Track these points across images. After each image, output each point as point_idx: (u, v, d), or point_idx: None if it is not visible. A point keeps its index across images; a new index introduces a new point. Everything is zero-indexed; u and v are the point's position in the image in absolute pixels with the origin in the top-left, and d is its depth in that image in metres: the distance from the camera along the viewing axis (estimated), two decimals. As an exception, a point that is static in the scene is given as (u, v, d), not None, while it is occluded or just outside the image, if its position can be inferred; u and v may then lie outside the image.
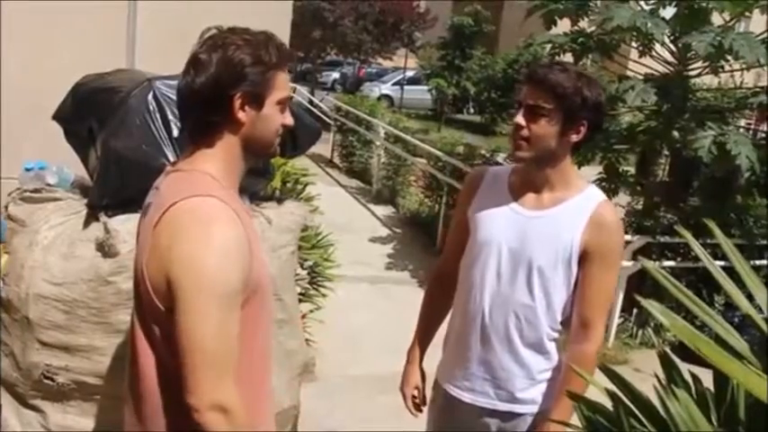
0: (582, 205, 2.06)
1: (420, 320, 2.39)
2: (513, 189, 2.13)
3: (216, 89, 1.50)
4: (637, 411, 0.97)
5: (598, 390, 1.03)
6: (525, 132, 1.99)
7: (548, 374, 2.16)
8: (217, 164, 1.55)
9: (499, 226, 2.10)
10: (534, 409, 2.16)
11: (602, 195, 2.12)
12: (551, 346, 2.15)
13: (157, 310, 1.48)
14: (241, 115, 1.53)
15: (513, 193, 2.12)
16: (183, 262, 1.42)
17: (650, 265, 1.07)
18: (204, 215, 1.46)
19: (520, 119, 2.00)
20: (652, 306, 0.88)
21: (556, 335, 2.15)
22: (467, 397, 2.20)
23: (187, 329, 1.42)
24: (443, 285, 2.32)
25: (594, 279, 2.06)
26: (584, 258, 2.05)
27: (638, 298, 1.02)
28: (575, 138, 2.01)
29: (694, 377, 1.02)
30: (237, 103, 1.52)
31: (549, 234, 2.05)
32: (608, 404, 1.11)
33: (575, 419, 1.38)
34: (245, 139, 1.56)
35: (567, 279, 2.07)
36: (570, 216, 2.05)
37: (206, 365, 1.41)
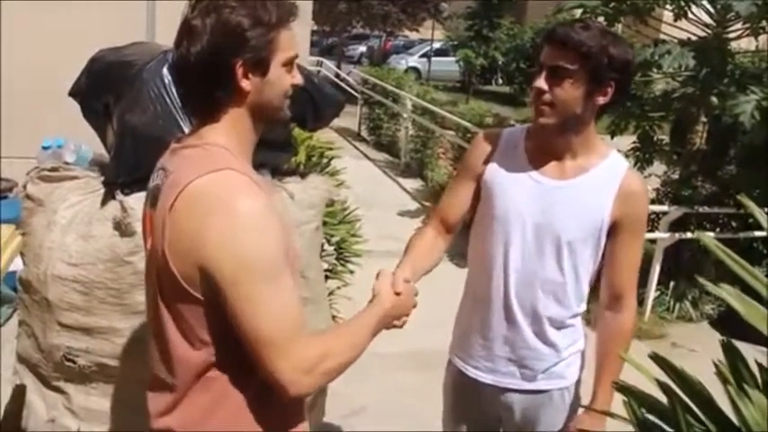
0: (608, 174, 1.95)
1: (409, 252, 2.06)
2: (530, 155, 1.99)
3: (214, 58, 1.37)
4: (694, 407, 0.86)
5: (647, 379, 0.93)
6: (548, 97, 1.86)
7: (573, 349, 2.10)
8: (227, 137, 1.44)
9: (521, 197, 1.97)
10: (560, 383, 2.10)
11: (625, 162, 2.02)
12: (577, 321, 2.08)
13: (190, 298, 1.38)
14: (245, 84, 1.40)
15: (532, 161, 1.98)
16: (217, 248, 1.33)
17: (709, 240, 0.95)
18: (227, 191, 1.35)
19: (541, 82, 1.86)
20: (725, 291, 0.77)
21: (582, 310, 2.07)
22: (488, 378, 2.11)
23: (244, 318, 1.34)
24: (441, 233, 2.13)
25: (625, 250, 1.99)
26: (613, 230, 1.96)
27: (705, 282, 0.90)
28: (601, 100, 1.87)
29: (760, 366, 0.91)
30: (240, 71, 1.39)
31: (577, 206, 1.93)
32: (658, 393, 1.01)
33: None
34: (252, 109, 1.44)
35: (595, 252, 1.98)
36: (597, 186, 1.94)
37: (276, 347, 1.35)
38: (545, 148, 1.97)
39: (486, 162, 2.05)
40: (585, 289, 2.04)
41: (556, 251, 1.96)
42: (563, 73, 1.83)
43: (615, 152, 2.03)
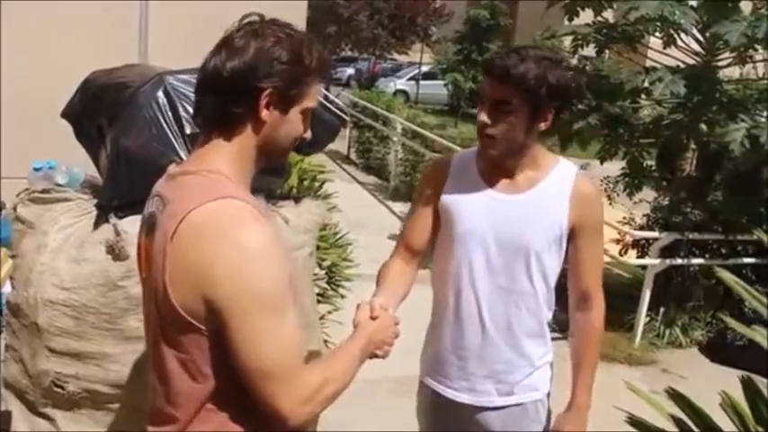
0: (559, 181, 2.02)
1: (380, 284, 2.09)
2: (483, 175, 2.06)
3: (246, 78, 1.38)
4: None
5: (660, 413, 0.91)
6: (491, 130, 1.93)
7: (545, 359, 2.15)
8: (229, 163, 1.43)
9: (479, 215, 2.03)
10: (534, 396, 2.14)
11: (574, 167, 2.08)
12: (547, 330, 2.13)
13: (192, 329, 1.36)
14: (264, 114, 1.41)
15: (485, 179, 2.05)
16: (223, 280, 1.31)
17: (728, 276, 0.94)
18: (230, 220, 1.33)
19: (484, 117, 1.93)
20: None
21: (550, 315, 2.13)
22: (465, 398, 2.13)
23: (247, 350, 1.33)
24: (407, 260, 2.18)
25: (586, 251, 2.07)
26: (573, 233, 2.03)
27: (734, 323, 0.88)
28: (543, 126, 1.96)
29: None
30: (264, 100, 1.39)
31: (535, 216, 2.00)
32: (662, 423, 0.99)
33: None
34: (263, 141, 1.44)
35: (558, 258, 2.05)
36: (551, 194, 2.01)
37: (278, 379, 1.34)
38: (496, 167, 2.03)
39: (441, 187, 2.11)
40: (553, 295, 2.10)
41: (525, 263, 2.01)
42: (504, 107, 1.90)
43: (563, 160, 2.10)
